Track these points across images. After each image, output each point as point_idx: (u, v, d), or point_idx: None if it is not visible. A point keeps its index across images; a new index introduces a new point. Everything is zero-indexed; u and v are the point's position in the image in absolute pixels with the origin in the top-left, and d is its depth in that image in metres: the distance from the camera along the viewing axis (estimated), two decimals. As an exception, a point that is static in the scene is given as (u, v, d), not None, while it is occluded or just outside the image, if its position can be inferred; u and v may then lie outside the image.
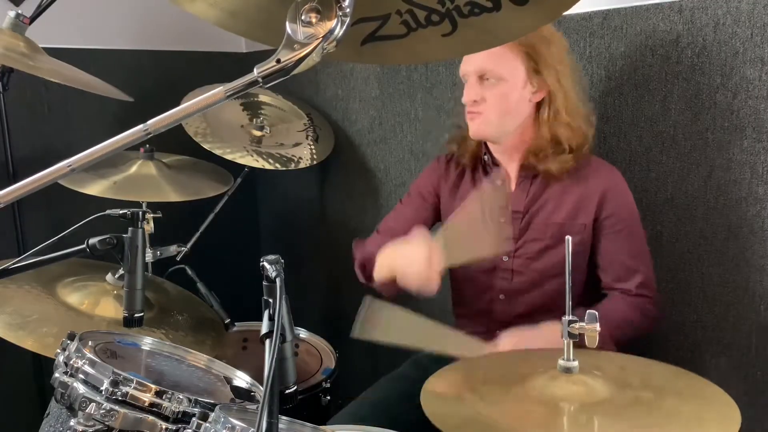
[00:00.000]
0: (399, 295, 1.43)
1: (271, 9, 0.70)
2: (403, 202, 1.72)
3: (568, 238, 1.06)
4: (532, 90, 1.45)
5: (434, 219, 1.67)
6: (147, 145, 1.99)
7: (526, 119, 1.47)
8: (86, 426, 0.96)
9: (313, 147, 2.22)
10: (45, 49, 1.71)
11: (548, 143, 1.45)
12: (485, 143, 1.55)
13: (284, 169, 2.11)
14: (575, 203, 1.46)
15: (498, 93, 1.44)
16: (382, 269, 1.45)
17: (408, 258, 1.36)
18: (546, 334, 1.35)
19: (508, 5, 0.71)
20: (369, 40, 0.76)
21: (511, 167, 1.54)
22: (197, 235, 2.15)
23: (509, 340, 1.39)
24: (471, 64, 1.47)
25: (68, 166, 0.69)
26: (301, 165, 2.15)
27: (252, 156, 2.07)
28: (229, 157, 2.04)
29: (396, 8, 0.74)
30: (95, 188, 1.82)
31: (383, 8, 0.74)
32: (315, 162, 2.19)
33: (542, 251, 1.48)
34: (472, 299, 1.61)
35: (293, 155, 2.15)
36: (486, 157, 1.56)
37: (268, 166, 2.07)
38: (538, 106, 1.47)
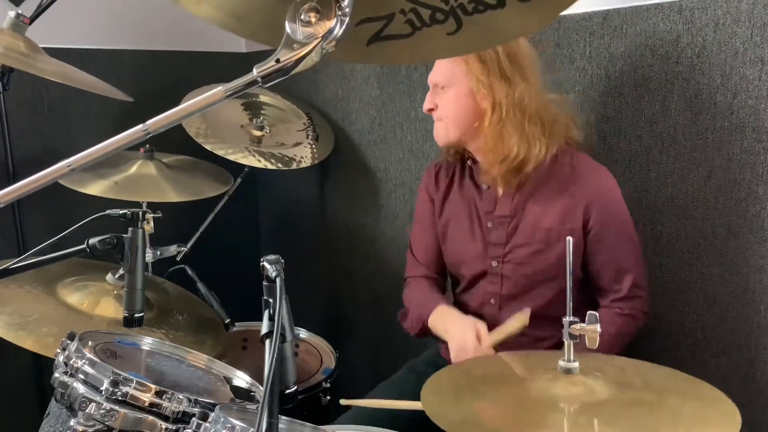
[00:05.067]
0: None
1: (276, 11, 0.70)
2: (413, 235, 1.74)
3: (569, 239, 1.06)
4: (479, 98, 1.45)
5: None
6: (147, 146, 1.99)
7: (480, 124, 1.47)
8: (86, 426, 0.96)
9: (314, 146, 2.22)
10: (45, 49, 1.71)
11: (491, 150, 1.45)
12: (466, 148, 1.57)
13: (286, 168, 2.11)
14: (563, 207, 1.45)
15: (446, 99, 1.50)
16: (436, 331, 1.58)
17: (459, 342, 1.45)
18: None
19: (512, 2, 0.70)
20: (374, 40, 0.76)
21: (494, 170, 1.51)
22: (197, 235, 2.15)
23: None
24: (429, 75, 1.53)
25: (68, 166, 0.69)
26: (303, 164, 2.15)
27: (254, 156, 2.07)
28: (231, 157, 2.04)
29: (400, 7, 0.74)
30: (95, 188, 1.82)
31: (387, 8, 0.74)
32: (316, 161, 2.19)
33: (531, 256, 1.48)
34: (464, 302, 1.62)
35: (295, 155, 2.16)
36: (469, 161, 1.58)
37: (270, 166, 2.07)
38: (485, 114, 1.46)
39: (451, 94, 1.49)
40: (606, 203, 1.45)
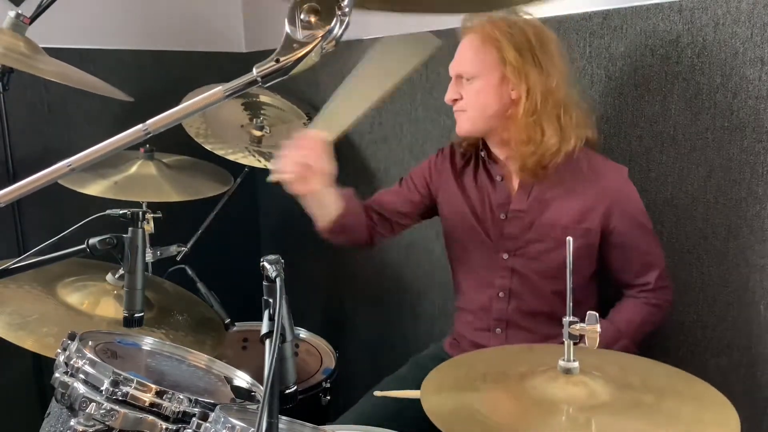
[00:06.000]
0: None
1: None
2: (400, 183, 1.73)
3: (569, 239, 1.06)
4: (509, 87, 1.43)
5: (421, 208, 1.67)
6: (147, 145, 2.00)
7: (507, 115, 1.45)
8: (86, 426, 0.96)
9: (313, 147, 2.22)
10: (45, 49, 1.71)
11: (525, 141, 1.43)
12: (483, 138, 1.55)
13: (286, 168, 2.11)
14: (581, 207, 1.45)
15: (473, 90, 1.46)
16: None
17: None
18: None
19: None
20: None
21: (510, 164, 1.52)
22: (197, 235, 2.15)
23: None
24: (451, 66, 1.51)
25: (68, 166, 0.69)
26: (302, 165, 2.15)
27: (254, 156, 2.07)
28: (231, 157, 2.04)
29: None
30: (95, 188, 1.82)
31: None
32: (316, 162, 2.19)
33: (544, 252, 1.47)
34: (472, 295, 1.61)
35: (294, 155, 2.15)
36: (483, 153, 1.56)
37: (270, 167, 2.07)
38: (518, 103, 1.43)
39: (480, 84, 1.45)
40: (628, 204, 1.46)
